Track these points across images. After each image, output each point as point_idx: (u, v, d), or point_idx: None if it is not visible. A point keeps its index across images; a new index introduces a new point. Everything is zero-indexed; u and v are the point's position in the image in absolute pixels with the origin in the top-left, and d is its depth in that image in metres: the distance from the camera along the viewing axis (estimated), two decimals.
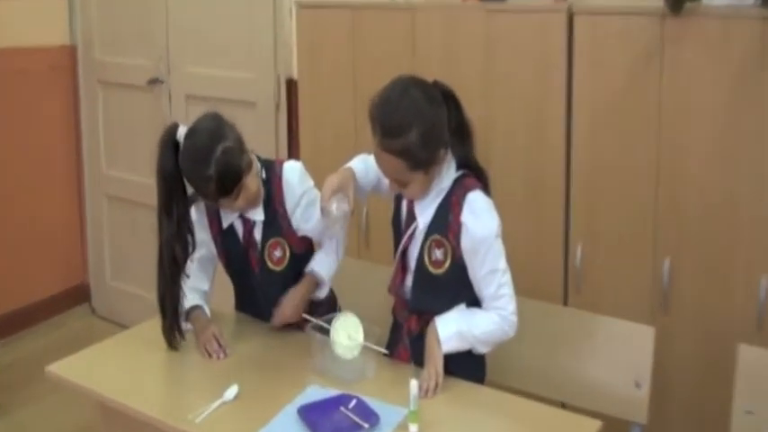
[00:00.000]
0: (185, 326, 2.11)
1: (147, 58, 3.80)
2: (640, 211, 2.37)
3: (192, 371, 2.05)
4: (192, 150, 1.95)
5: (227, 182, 1.94)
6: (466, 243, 1.88)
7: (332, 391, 1.85)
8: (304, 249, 2.18)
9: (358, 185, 2.03)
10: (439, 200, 1.91)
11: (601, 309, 2.28)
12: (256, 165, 2.06)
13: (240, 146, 1.99)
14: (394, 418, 1.75)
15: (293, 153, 3.27)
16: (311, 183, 2.15)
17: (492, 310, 1.92)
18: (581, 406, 2.06)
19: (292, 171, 2.13)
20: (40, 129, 3.99)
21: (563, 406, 2.15)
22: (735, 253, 2.25)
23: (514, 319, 1.92)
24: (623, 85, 2.35)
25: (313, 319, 2.01)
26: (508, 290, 1.92)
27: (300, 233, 2.15)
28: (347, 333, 1.92)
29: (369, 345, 1.92)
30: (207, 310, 2.16)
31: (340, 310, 2.21)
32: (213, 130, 1.97)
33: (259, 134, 3.32)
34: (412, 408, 1.70)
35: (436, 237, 1.91)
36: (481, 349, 1.96)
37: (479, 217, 1.88)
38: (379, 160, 1.88)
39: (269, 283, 2.16)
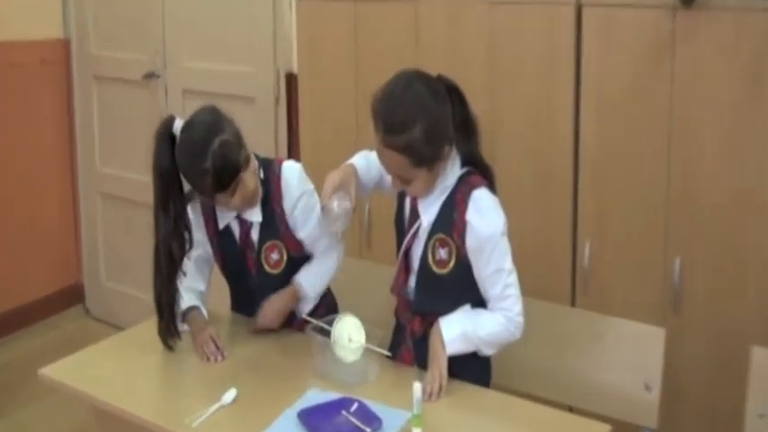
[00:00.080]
0: (182, 327, 2.11)
1: (143, 51, 3.80)
2: (650, 209, 2.37)
3: (189, 373, 2.05)
4: (188, 143, 1.95)
5: (223, 176, 1.94)
6: (471, 242, 1.88)
7: (333, 395, 1.85)
8: (302, 253, 2.18)
9: (360, 182, 2.03)
10: (443, 198, 1.91)
11: (609, 310, 2.28)
12: (254, 162, 2.06)
13: (238, 140, 2.00)
14: (397, 422, 1.75)
15: (293, 149, 3.27)
16: (311, 186, 2.15)
17: (498, 310, 1.92)
18: (589, 409, 2.06)
19: (291, 171, 2.13)
20: (32, 125, 3.99)
21: (570, 410, 2.15)
22: (747, 252, 2.25)
23: (521, 320, 1.92)
24: (633, 79, 2.35)
25: (313, 321, 2.01)
26: (514, 290, 1.91)
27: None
28: (348, 335, 1.92)
29: (371, 347, 1.92)
30: (204, 312, 2.16)
31: (338, 311, 2.21)
32: (211, 123, 1.98)
33: (258, 130, 3.32)
34: (415, 411, 1.70)
35: (440, 235, 1.91)
36: (486, 351, 1.96)
37: (485, 215, 1.88)
38: (381, 157, 1.88)
39: (266, 286, 2.16)
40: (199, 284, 2.20)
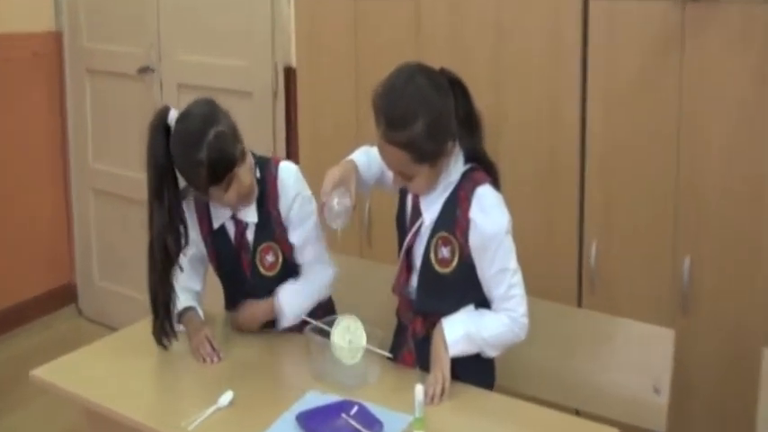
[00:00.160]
0: (178, 328, 2.11)
1: (138, 45, 3.80)
2: (659, 206, 2.37)
3: (185, 375, 2.05)
4: (183, 134, 1.96)
5: (218, 168, 1.94)
6: (474, 240, 1.88)
7: (332, 398, 1.85)
8: None
9: (360, 179, 2.03)
10: (446, 195, 1.91)
11: (617, 310, 2.28)
12: (250, 159, 2.06)
13: (234, 133, 2.00)
14: (398, 425, 1.75)
15: (292, 145, 3.27)
16: (307, 190, 2.15)
17: (502, 311, 1.92)
18: (596, 413, 2.06)
19: (288, 171, 2.13)
20: (23, 120, 3.99)
21: (577, 413, 2.15)
22: (759, 249, 2.25)
23: (525, 321, 1.92)
24: (641, 73, 2.35)
25: (312, 321, 2.01)
26: (519, 290, 1.91)
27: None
28: (348, 336, 1.92)
29: (371, 348, 1.92)
30: (200, 312, 2.16)
31: (336, 313, 2.21)
32: (207, 114, 1.98)
33: (255, 125, 3.32)
34: (417, 415, 1.70)
35: (443, 234, 1.91)
36: (490, 353, 1.96)
37: (489, 213, 1.87)
38: (382, 152, 1.88)
39: (260, 288, 2.16)
40: (194, 284, 2.20)
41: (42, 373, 2.02)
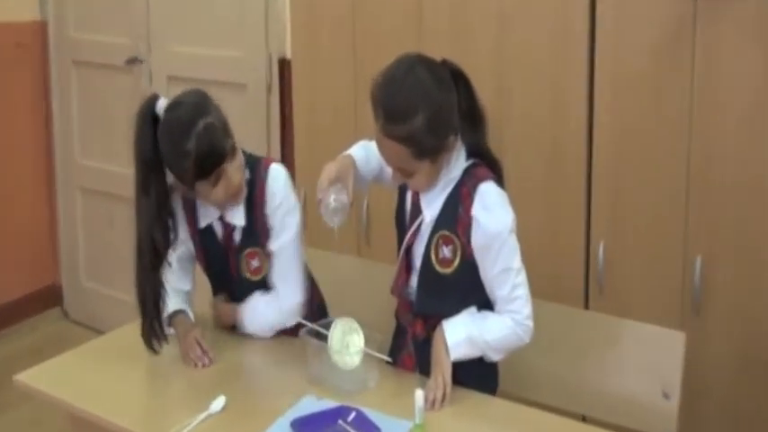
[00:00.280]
0: (168, 330, 2.11)
1: (126, 35, 3.80)
2: (669, 205, 2.38)
3: (175, 380, 2.05)
4: (172, 123, 1.96)
5: (206, 162, 1.94)
6: (477, 239, 1.88)
7: (329, 403, 1.85)
8: None
9: (358, 174, 2.03)
10: (447, 191, 1.92)
11: (625, 312, 2.28)
12: (241, 156, 2.06)
13: (225, 128, 2.00)
14: (397, 431, 1.75)
15: (286, 140, 3.28)
16: (293, 199, 2.14)
17: (505, 313, 1.92)
18: (603, 419, 2.07)
19: (277, 177, 2.11)
20: (6, 113, 3.99)
21: (583, 419, 2.15)
22: None
23: (530, 323, 1.92)
24: (650, 64, 2.35)
25: (309, 324, 2.01)
26: (523, 291, 1.92)
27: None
28: (346, 339, 1.92)
29: (370, 351, 1.92)
30: (191, 315, 2.16)
31: (329, 316, 2.21)
32: (197, 104, 1.99)
33: (249, 119, 3.32)
34: (417, 421, 1.71)
35: (444, 232, 1.91)
36: (493, 357, 1.96)
37: (492, 211, 1.88)
38: (381, 147, 1.88)
39: (246, 292, 2.17)
40: (184, 284, 2.20)
41: (26, 378, 2.03)
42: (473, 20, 2.62)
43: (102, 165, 4.00)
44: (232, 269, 2.16)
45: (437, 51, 1.93)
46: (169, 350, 2.09)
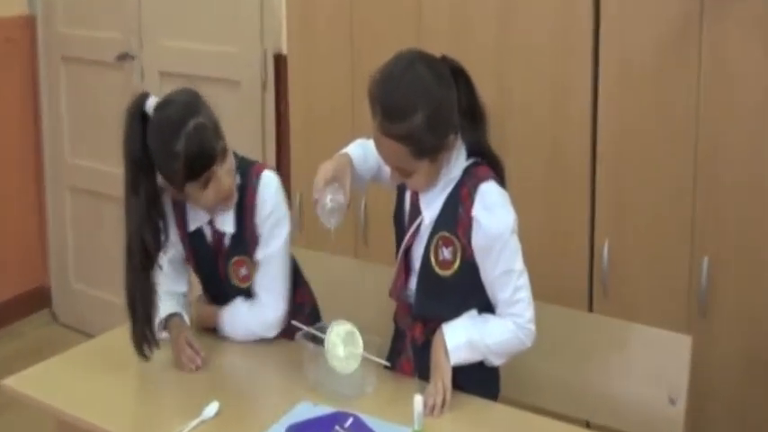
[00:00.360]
0: (162, 335, 2.11)
1: (117, 30, 3.80)
2: (675, 203, 2.38)
3: (167, 385, 2.05)
4: (162, 122, 1.96)
5: (196, 163, 1.94)
6: (478, 240, 1.88)
7: (325, 409, 1.85)
8: None
9: (355, 174, 2.03)
10: (447, 192, 1.92)
11: (631, 315, 2.29)
12: (232, 160, 2.05)
13: (216, 129, 2.00)
14: None
15: (282, 138, 3.28)
16: (283, 209, 2.13)
17: (507, 316, 1.92)
18: (607, 425, 2.07)
19: (268, 185, 2.11)
20: None
21: (587, 425, 2.16)
22: None
23: (532, 327, 1.93)
24: (656, 61, 2.36)
25: (304, 327, 2.01)
26: (525, 294, 1.92)
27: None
28: (343, 343, 1.92)
29: (368, 356, 1.92)
30: (186, 317, 2.15)
31: (322, 320, 2.21)
32: (188, 103, 1.99)
33: (243, 117, 3.32)
34: (416, 427, 1.71)
35: (444, 233, 1.91)
36: (495, 361, 1.96)
37: (493, 211, 1.88)
38: (379, 146, 1.88)
39: (235, 296, 2.17)
40: (179, 286, 2.20)
41: (13, 383, 2.03)
42: (474, 15, 2.62)
43: (93, 164, 4.00)
44: (221, 274, 2.16)
45: (436, 47, 1.94)
46: (161, 354, 2.08)
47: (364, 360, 1.92)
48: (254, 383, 2.02)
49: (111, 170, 3.75)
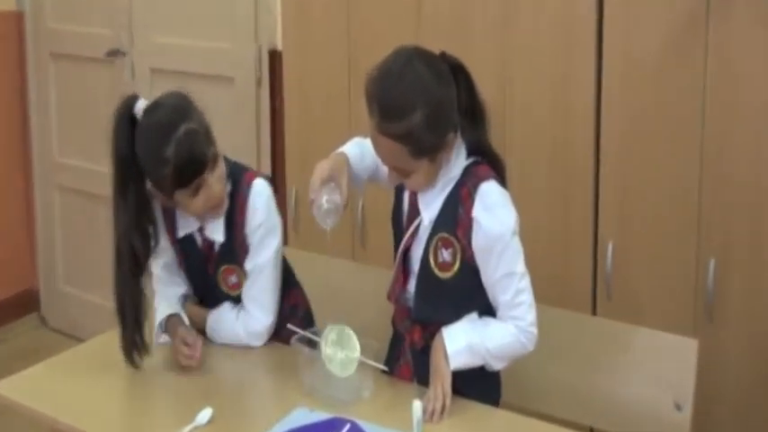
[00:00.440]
0: (163, 338, 2.11)
1: (107, 25, 3.80)
2: (681, 203, 2.38)
3: (159, 391, 2.05)
4: (151, 127, 1.96)
5: (185, 170, 1.94)
6: (478, 242, 1.89)
7: (322, 415, 1.85)
8: None
9: (352, 173, 2.03)
10: (446, 192, 1.92)
11: (635, 318, 2.29)
12: (223, 167, 2.05)
13: (207, 134, 2.00)
14: None
15: (277, 137, 3.27)
16: (275, 218, 2.13)
17: (508, 319, 1.92)
18: (612, 431, 2.07)
19: (259, 194, 2.10)
20: None
21: (591, 431, 2.16)
22: None
23: (534, 330, 1.93)
24: (661, 57, 2.36)
25: (300, 331, 2.01)
26: (527, 297, 1.92)
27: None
28: (340, 347, 1.92)
29: (365, 360, 1.92)
30: (184, 317, 2.15)
31: (315, 323, 2.22)
32: (179, 107, 1.98)
33: (237, 114, 3.32)
34: None
35: (443, 235, 1.91)
36: (495, 365, 1.97)
37: (493, 211, 1.88)
38: (376, 146, 1.88)
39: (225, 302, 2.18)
40: (177, 289, 2.20)
41: (2, 388, 2.02)
42: (474, 10, 2.62)
43: (82, 163, 4.00)
44: (211, 280, 2.17)
45: (436, 43, 1.94)
46: (153, 360, 2.08)
47: (362, 364, 1.92)
48: (248, 389, 2.02)
49: (102, 169, 3.71)
